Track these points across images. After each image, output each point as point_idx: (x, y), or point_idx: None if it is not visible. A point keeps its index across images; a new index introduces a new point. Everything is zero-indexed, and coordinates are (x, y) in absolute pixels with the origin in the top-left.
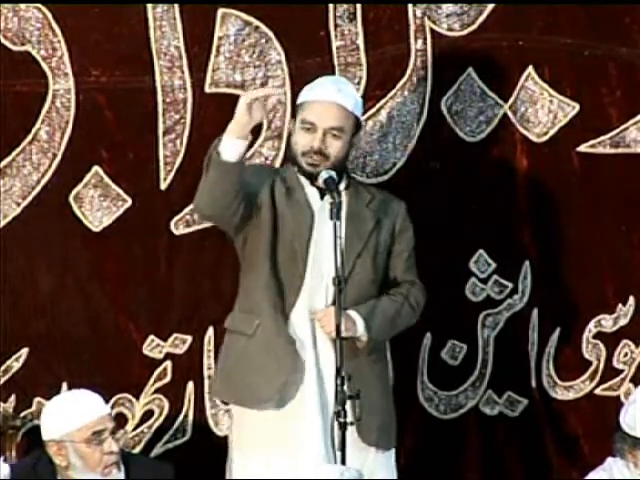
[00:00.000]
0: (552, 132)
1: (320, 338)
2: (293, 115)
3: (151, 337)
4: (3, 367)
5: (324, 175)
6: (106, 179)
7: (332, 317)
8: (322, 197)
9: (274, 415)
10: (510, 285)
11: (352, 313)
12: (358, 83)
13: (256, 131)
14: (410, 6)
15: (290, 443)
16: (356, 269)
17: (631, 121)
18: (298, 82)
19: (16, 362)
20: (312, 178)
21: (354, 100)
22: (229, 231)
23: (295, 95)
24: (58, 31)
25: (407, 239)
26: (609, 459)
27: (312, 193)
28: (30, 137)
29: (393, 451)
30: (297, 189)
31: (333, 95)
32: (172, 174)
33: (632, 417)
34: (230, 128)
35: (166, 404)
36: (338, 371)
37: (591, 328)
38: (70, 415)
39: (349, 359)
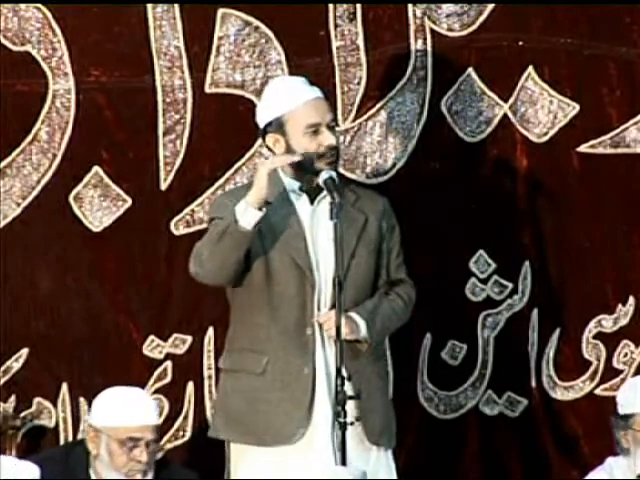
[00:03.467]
0: (552, 132)
1: (327, 341)
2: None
3: (151, 337)
4: (3, 367)
5: (324, 175)
6: (106, 179)
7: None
8: (312, 201)
9: (289, 448)
10: (510, 285)
11: (354, 315)
12: (358, 83)
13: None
14: (410, 6)
15: (302, 469)
16: (351, 269)
17: (631, 121)
18: None
19: (16, 362)
20: (303, 183)
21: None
22: None
23: None
24: (58, 31)
25: (395, 236)
26: (609, 459)
27: (300, 200)
28: (30, 137)
29: (391, 451)
30: (283, 202)
31: (312, 92)
32: (172, 174)
33: (622, 394)
34: (250, 199)
35: (166, 404)
36: (338, 371)
37: (591, 328)
38: (117, 411)
39: (351, 359)
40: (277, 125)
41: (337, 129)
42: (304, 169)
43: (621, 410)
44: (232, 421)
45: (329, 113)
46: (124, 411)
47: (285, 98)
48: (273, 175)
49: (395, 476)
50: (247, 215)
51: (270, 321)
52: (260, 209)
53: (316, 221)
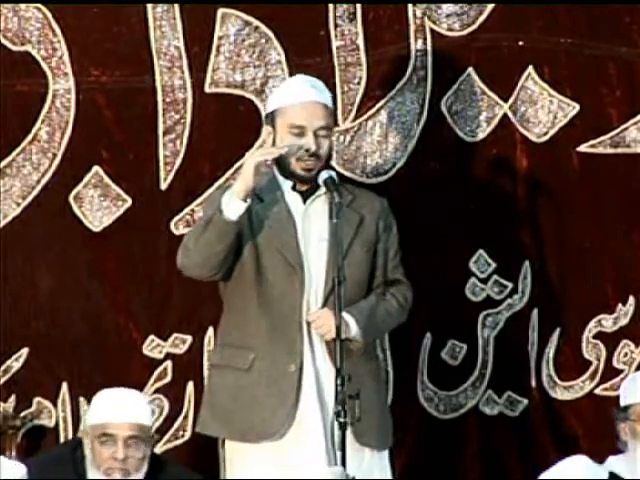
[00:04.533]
0: (552, 132)
1: (315, 340)
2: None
3: (151, 337)
4: (3, 367)
5: (324, 175)
6: (106, 179)
7: (327, 319)
8: (304, 201)
9: (277, 444)
10: (510, 285)
11: (345, 315)
12: (358, 83)
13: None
14: (410, 6)
15: (294, 466)
16: (345, 269)
17: (631, 121)
18: None
19: (16, 362)
20: (295, 183)
21: (329, 95)
22: None
23: None
24: (58, 31)
25: (392, 236)
26: (610, 458)
27: (293, 199)
28: (30, 137)
29: (386, 452)
30: (277, 200)
31: (313, 94)
32: (172, 174)
33: (624, 386)
34: (235, 189)
35: (166, 404)
36: (338, 371)
37: (591, 328)
38: (97, 410)
39: (344, 359)
40: (271, 118)
41: (337, 129)
42: (283, 170)
43: (622, 402)
44: (218, 416)
45: (321, 120)
46: (103, 409)
47: (284, 94)
48: (261, 167)
49: (390, 476)
50: (231, 205)
51: (259, 317)
52: (245, 200)
53: (308, 221)
